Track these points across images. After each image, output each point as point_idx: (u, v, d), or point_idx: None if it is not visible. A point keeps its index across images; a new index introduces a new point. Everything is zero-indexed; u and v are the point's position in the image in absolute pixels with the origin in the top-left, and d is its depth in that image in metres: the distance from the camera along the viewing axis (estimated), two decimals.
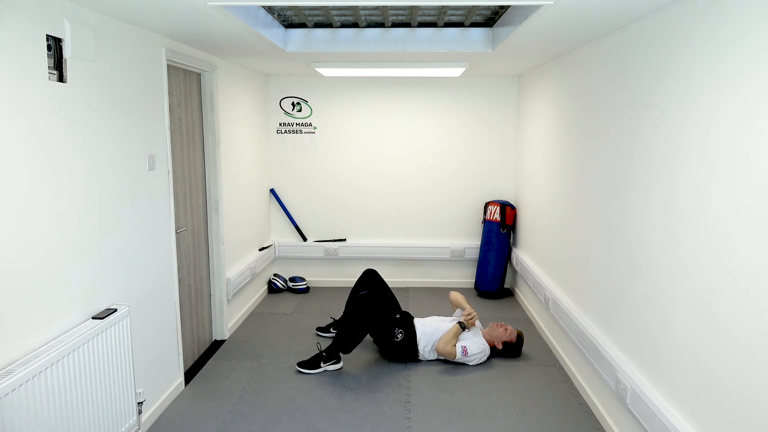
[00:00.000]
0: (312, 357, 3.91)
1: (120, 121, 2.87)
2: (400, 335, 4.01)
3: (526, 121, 5.26)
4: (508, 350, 4.11)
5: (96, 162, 2.66)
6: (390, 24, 3.73)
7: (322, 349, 3.94)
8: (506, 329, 4.12)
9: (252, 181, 5.24)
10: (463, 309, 4.25)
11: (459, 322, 4.06)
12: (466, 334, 4.09)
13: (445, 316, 4.49)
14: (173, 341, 3.52)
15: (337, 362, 3.90)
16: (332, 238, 5.92)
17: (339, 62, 4.48)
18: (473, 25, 3.78)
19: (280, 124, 5.77)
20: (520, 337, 4.13)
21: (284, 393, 3.56)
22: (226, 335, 4.45)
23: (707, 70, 2.16)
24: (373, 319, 3.92)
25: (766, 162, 1.81)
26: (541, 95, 4.73)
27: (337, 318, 4.64)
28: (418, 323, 4.14)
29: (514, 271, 5.66)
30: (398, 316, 4.24)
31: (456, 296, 4.41)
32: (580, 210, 3.65)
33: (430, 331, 4.07)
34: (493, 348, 4.10)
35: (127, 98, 2.94)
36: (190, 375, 3.80)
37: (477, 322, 4.26)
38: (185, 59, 3.61)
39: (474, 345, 4.00)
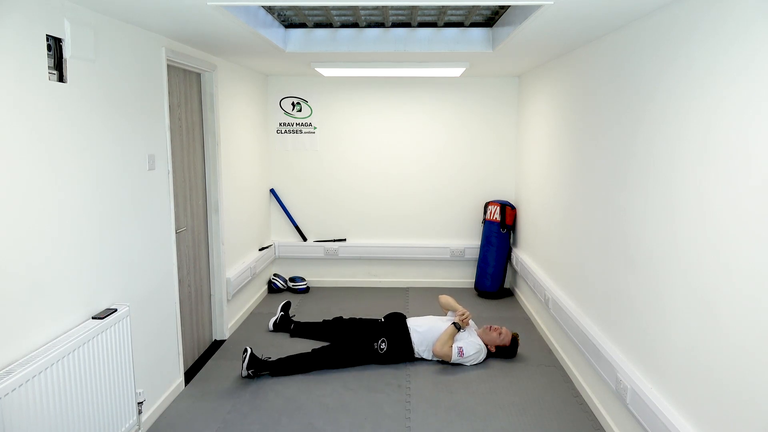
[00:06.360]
0: (260, 360, 3.76)
1: (120, 121, 2.87)
2: (383, 345, 3.99)
3: (526, 121, 5.26)
4: (502, 353, 4.10)
5: (96, 162, 2.66)
6: (390, 24, 3.73)
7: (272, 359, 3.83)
8: (500, 333, 4.07)
9: (252, 181, 5.24)
10: (455, 310, 4.24)
11: (454, 323, 4.05)
12: (461, 334, 4.08)
13: (440, 315, 4.48)
14: (173, 341, 3.52)
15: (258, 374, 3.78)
16: (332, 238, 5.92)
17: (339, 62, 4.48)
18: (473, 25, 3.78)
19: (280, 124, 5.77)
20: (514, 340, 4.09)
21: (284, 393, 3.56)
22: (226, 335, 4.45)
23: (707, 70, 2.16)
24: (321, 365, 3.89)
25: (766, 161, 1.81)
26: (541, 95, 4.73)
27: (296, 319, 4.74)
28: (412, 324, 4.14)
29: (514, 271, 5.66)
30: (381, 320, 4.27)
31: (446, 299, 4.41)
32: (580, 210, 3.65)
33: (425, 330, 4.07)
34: (486, 350, 4.09)
35: (127, 98, 2.94)
36: (190, 375, 3.80)
37: (471, 322, 4.25)
38: (185, 59, 3.61)
39: (470, 346, 3.99)
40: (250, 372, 3.70)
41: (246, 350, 3.72)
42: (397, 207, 5.86)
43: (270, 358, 3.85)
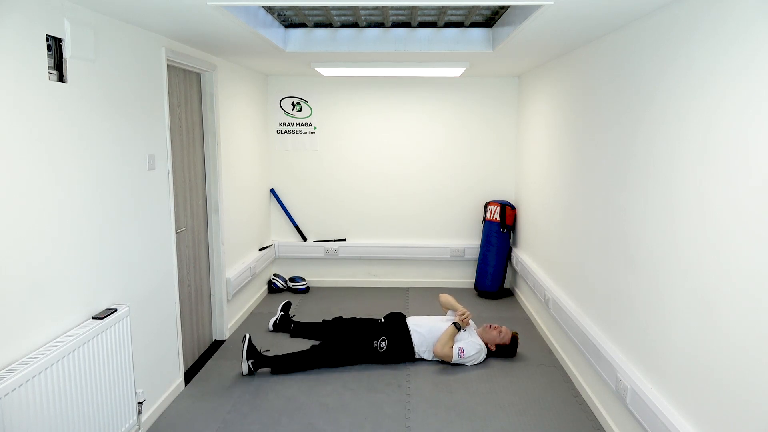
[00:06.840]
0: (259, 352, 3.81)
1: (120, 121, 2.87)
2: (383, 344, 3.99)
3: (526, 121, 5.26)
4: (502, 352, 4.10)
5: (96, 162, 2.66)
6: (390, 24, 3.73)
7: (271, 355, 3.86)
8: (500, 332, 4.08)
9: (252, 181, 5.24)
10: (455, 310, 4.24)
11: (454, 323, 4.05)
12: (462, 334, 4.07)
13: (440, 315, 4.48)
14: (173, 341, 3.52)
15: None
16: (332, 238, 5.92)
17: (339, 62, 4.48)
18: (473, 25, 3.78)
19: (280, 124, 5.77)
20: (514, 339, 4.09)
21: (284, 393, 3.56)
22: (226, 335, 4.45)
23: (707, 69, 2.16)
24: (321, 363, 3.90)
25: (766, 161, 1.81)
26: (540, 95, 4.73)
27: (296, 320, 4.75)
28: (412, 324, 4.13)
29: (514, 271, 5.66)
30: (381, 320, 4.26)
31: (446, 298, 4.40)
32: (580, 210, 3.65)
33: (425, 330, 4.07)
34: (486, 349, 4.09)
35: (127, 98, 2.94)
36: (190, 375, 3.80)
37: (471, 322, 4.25)
38: (185, 59, 3.61)
39: (470, 346, 3.99)
40: (250, 364, 3.71)
41: (245, 336, 3.74)
42: (397, 207, 5.86)
43: (268, 350, 3.85)
